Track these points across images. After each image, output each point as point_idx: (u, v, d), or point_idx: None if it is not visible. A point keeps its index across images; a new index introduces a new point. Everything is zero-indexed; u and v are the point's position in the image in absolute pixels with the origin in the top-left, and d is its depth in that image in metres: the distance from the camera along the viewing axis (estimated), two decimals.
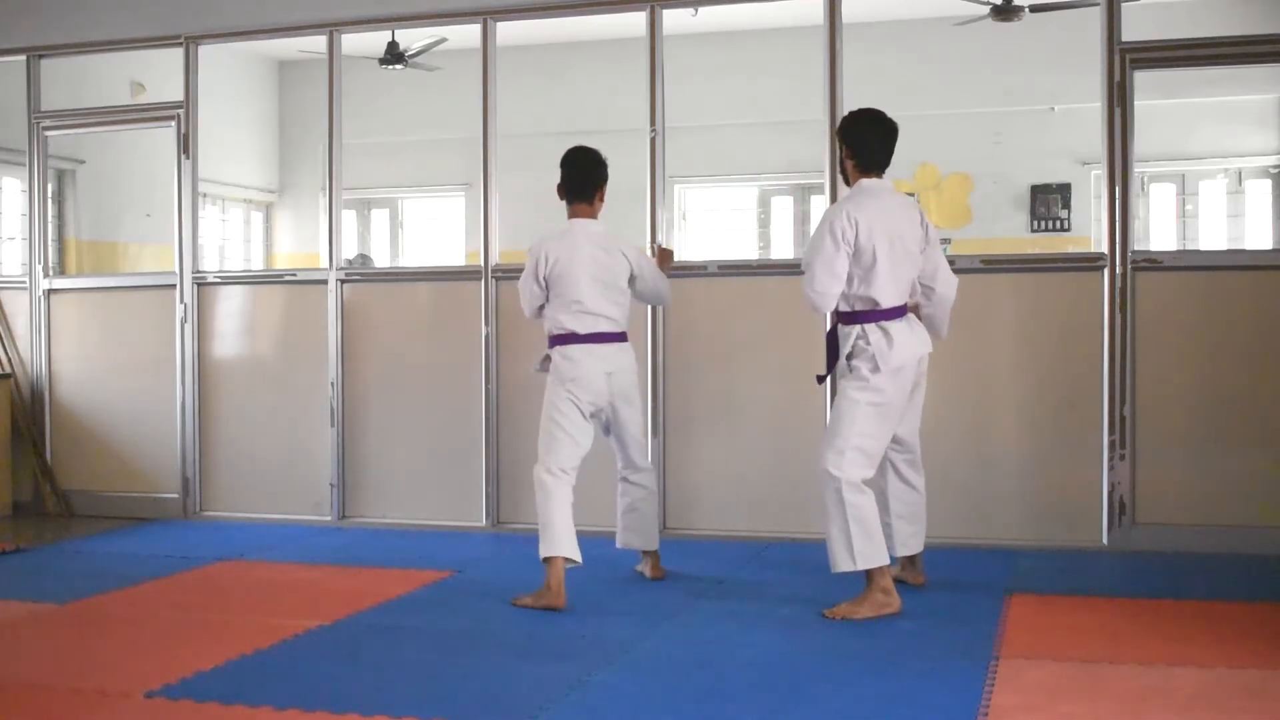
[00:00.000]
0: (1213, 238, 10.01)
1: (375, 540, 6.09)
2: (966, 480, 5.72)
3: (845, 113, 5.82)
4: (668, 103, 6.10)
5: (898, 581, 4.81)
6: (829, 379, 5.02)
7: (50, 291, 7.17)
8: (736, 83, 9.86)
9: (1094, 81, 5.66)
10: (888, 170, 4.65)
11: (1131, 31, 5.61)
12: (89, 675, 3.78)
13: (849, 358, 4.47)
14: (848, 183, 4.63)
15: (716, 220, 11.03)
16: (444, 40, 8.83)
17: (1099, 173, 6.14)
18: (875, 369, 4.40)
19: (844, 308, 4.50)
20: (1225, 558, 5.34)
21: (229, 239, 10.97)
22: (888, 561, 4.44)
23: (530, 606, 4.59)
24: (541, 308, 4.89)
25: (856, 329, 4.46)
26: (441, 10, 6.52)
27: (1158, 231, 10.12)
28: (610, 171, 4.93)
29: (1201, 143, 9.76)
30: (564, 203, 4.99)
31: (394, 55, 9.28)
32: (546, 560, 4.63)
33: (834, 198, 5.89)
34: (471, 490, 6.35)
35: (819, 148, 5.93)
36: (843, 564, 4.38)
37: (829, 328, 4.68)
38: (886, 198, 4.52)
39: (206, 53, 6.88)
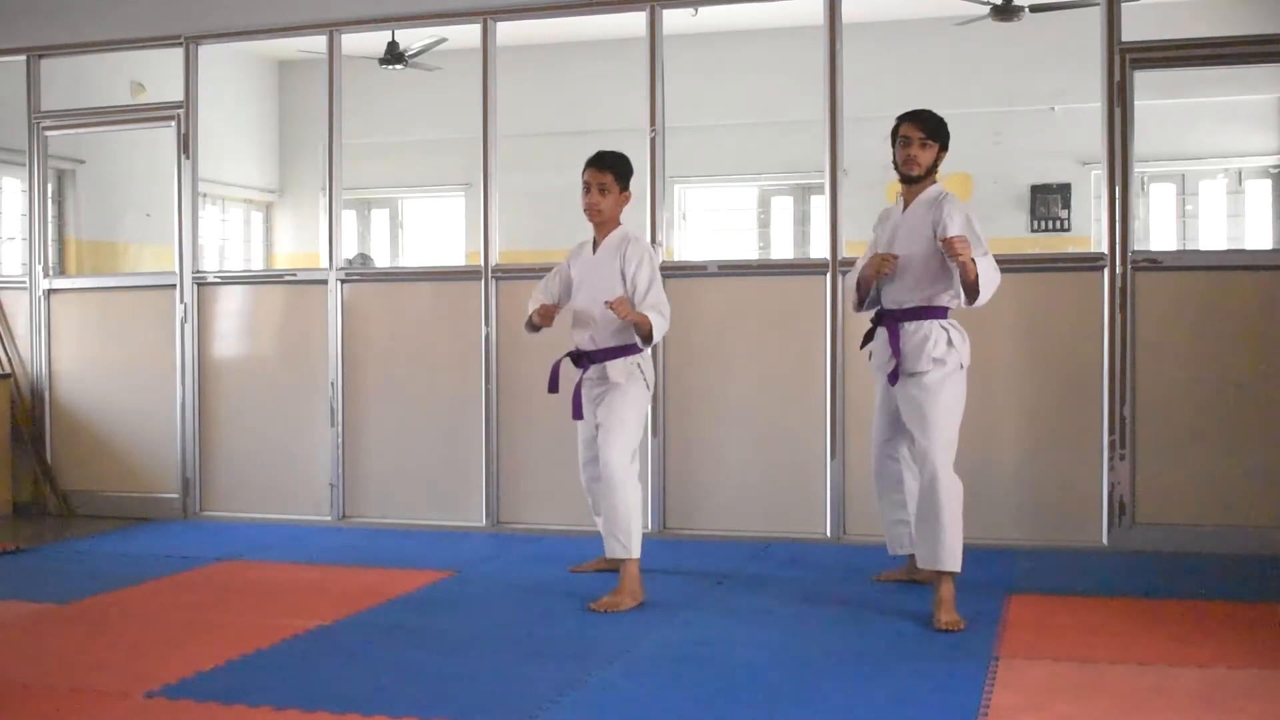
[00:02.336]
0: (1213, 238, 10.00)
1: (375, 540, 6.09)
2: (967, 480, 5.68)
3: (843, 112, 5.89)
4: (668, 103, 6.10)
5: (911, 582, 4.83)
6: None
7: (50, 291, 7.17)
8: (736, 83, 9.86)
9: (1094, 81, 5.66)
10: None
11: (1131, 31, 5.62)
12: (89, 675, 3.78)
13: (935, 354, 4.41)
14: (916, 179, 4.52)
15: (716, 220, 11.03)
16: (444, 40, 8.82)
17: (1099, 173, 6.14)
18: (961, 365, 4.45)
19: (920, 302, 4.47)
20: (1225, 558, 5.34)
21: (229, 239, 10.96)
22: None
23: (624, 609, 4.54)
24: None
25: (937, 324, 4.44)
26: (441, 10, 6.51)
27: (1158, 231, 10.11)
28: None
29: (1201, 143, 9.75)
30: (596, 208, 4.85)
31: (394, 55, 9.27)
32: (627, 562, 4.64)
33: (834, 198, 5.89)
34: (471, 490, 6.35)
35: (819, 148, 5.93)
36: (956, 564, 4.37)
37: (888, 327, 4.52)
38: None
39: (206, 53, 6.88)
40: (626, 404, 4.76)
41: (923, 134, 4.51)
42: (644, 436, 5.00)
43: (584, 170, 4.85)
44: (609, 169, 4.82)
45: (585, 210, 4.85)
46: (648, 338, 4.74)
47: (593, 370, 4.83)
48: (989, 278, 4.34)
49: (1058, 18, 8.41)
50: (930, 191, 4.54)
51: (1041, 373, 5.71)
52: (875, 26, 8.83)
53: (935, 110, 4.62)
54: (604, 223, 4.88)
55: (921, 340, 4.43)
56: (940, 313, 4.46)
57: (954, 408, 4.44)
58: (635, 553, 4.65)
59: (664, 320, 4.75)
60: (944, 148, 4.55)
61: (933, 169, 4.54)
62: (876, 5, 8.43)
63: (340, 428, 6.56)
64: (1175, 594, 4.73)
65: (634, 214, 6.01)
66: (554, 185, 9.48)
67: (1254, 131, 9.74)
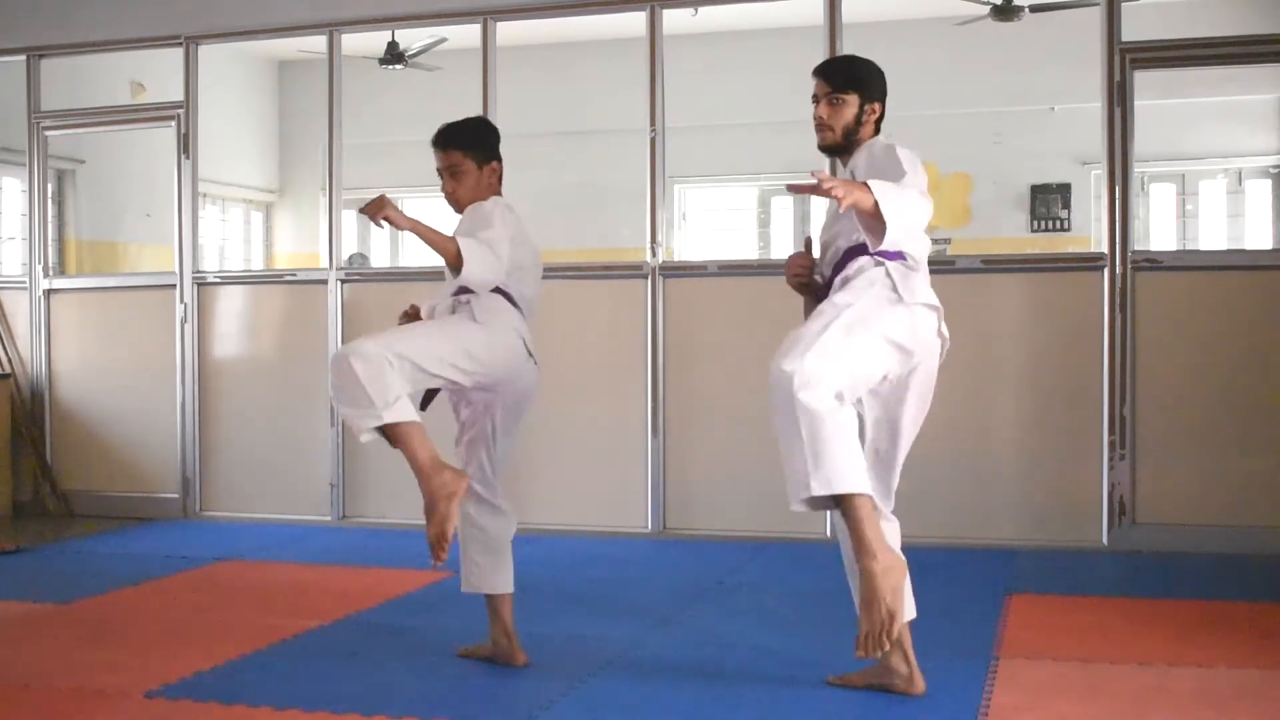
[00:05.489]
0: (1213, 238, 10.01)
1: (375, 540, 6.08)
2: (966, 480, 5.72)
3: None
4: (668, 103, 6.11)
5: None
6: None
7: (50, 291, 7.17)
8: (736, 83, 9.85)
9: (1094, 81, 5.66)
10: None
11: (1131, 31, 5.62)
12: (89, 675, 3.77)
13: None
14: (835, 150, 3.54)
15: (716, 220, 11.03)
16: (444, 40, 8.82)
17: (1099, 173, 6.13)
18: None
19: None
20: (1225, 558, 5.34)
21: (229, 239, 10.96)
22: None
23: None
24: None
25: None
26: (441, 10, 6.52)
27: (1158, 231, 10.11)
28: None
29: (1201, 143, 9.75)
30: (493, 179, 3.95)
31: (394, 55, 9.27)
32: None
33: None
34: None
35: None
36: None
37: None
38: None
39: (206, 53, 6.88)
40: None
41: (829, 87, 3.41)
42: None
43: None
44: (455, 146, 3.80)
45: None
46: (455, 261, 3.59)
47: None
48: (902, 203, 3.07)
49: (1057, 18, 8.40)
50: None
51: (1041, 372, 5.71)
52: (875, 26, 8.80)
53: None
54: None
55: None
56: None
57: None
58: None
59: (480, 251, 3.58)
60: (871, 98, 3.42)
61: (856, 129, 3.42)
62: (876, 5, 8.42)
63: (340, 428, 6.55)
64: (1175, 594, 4.73)
65: (634, 214, 6.05)
66: (554, 185, 9.51)
67: (1254, 131, 9.74)
